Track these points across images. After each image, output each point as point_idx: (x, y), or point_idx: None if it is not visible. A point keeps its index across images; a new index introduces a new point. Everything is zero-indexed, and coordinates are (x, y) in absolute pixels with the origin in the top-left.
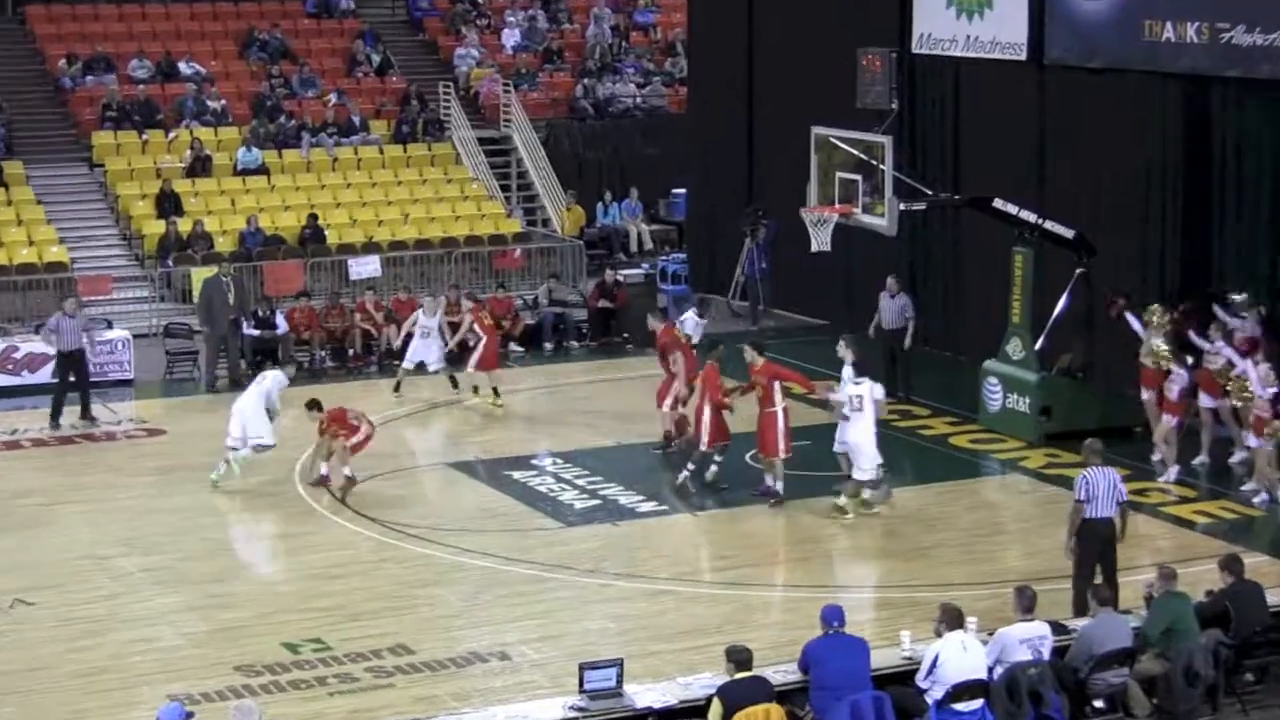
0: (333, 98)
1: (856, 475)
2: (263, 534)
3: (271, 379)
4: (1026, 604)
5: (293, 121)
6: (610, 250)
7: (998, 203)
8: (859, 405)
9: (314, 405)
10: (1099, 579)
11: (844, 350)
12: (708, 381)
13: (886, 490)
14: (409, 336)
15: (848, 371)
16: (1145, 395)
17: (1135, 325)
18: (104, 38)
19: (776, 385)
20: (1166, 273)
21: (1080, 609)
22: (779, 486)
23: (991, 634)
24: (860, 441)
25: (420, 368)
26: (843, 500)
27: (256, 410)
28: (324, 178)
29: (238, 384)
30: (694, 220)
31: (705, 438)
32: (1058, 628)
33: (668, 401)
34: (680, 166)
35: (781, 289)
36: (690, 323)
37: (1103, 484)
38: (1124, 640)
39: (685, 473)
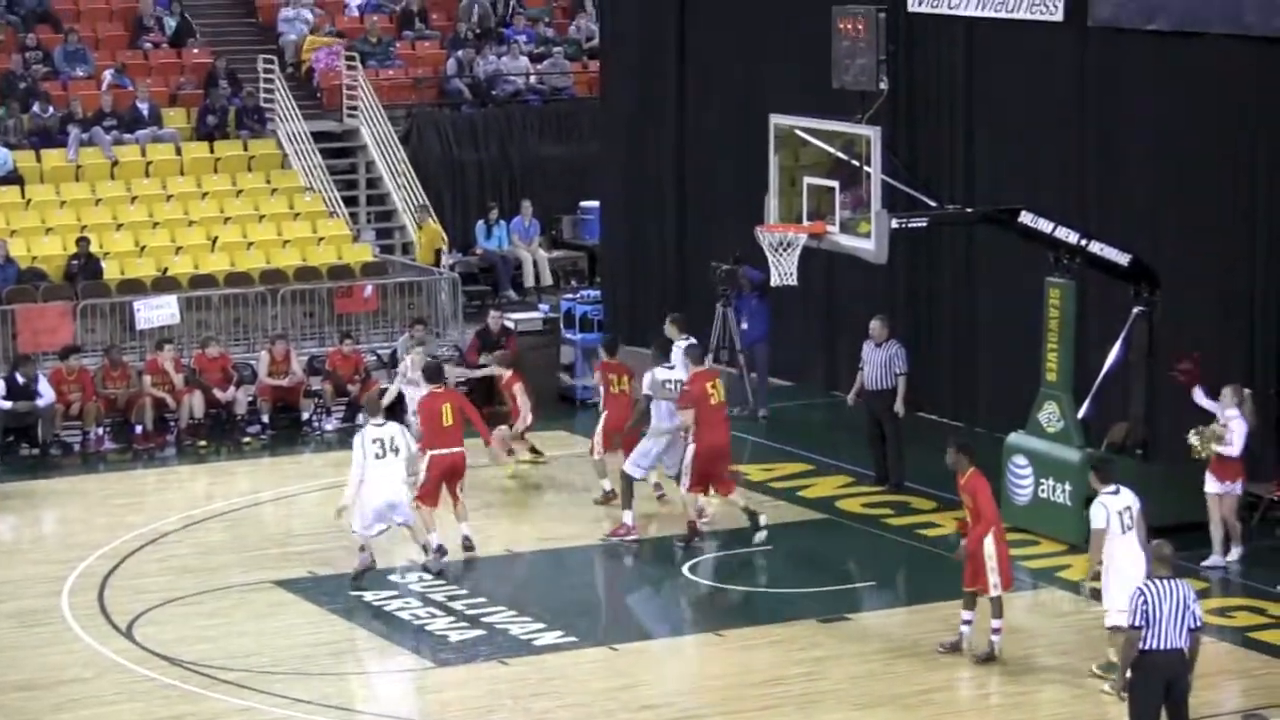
0: (108, 76)
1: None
2: (14, 682)
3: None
4: None
5: (55, 110)
6: (496, 286)
7: (1026, 217)
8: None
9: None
10: None
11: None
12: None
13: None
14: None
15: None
16: (1214, 489)
17: (1206, 403)
18: None
19: None
20: (1257, 309)
21: None
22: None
23: None
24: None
25: None
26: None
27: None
28: (100, 188)
29: None
30: (611, 244)
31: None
32: None
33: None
34: (591, 171)
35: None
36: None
37: (1167, 604)
38: None
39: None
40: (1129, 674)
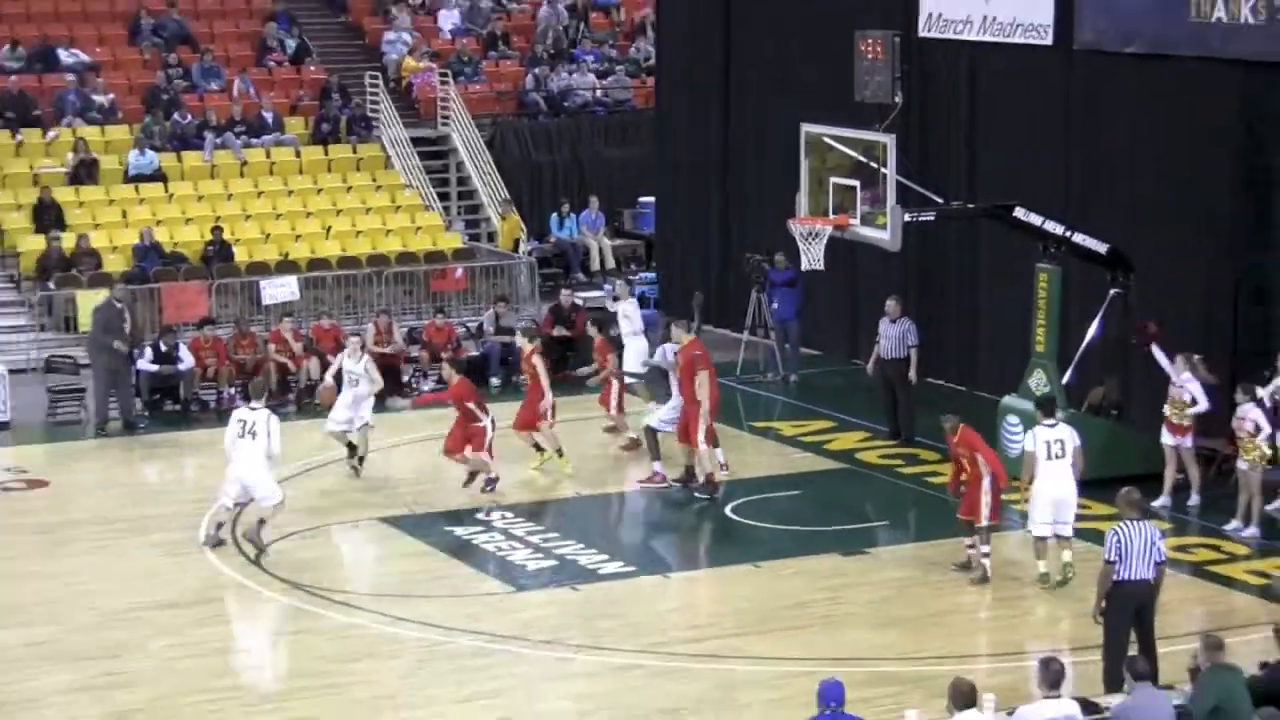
0: (237, 82)
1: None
2: (162, 601)
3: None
4: (1052, 679)
5: (193, 119)
6: (567, 269)
7: (1019, 212)
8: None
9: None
10: (1134, 650)
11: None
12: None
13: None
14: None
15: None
16: (1168, 440)
17: (1163, 360)
18: None
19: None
20: (1216, 295)
21: (1113, 685)
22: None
23: (1011, 714)
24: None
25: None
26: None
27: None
28: (231, 185)
29: (131, 426)
30: (664, 233)
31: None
32: (1089, 706)
33: (700, 436)
34: (648, 171)
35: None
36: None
37: (1137, 541)
38: None
39: None
40: (1104, 602)
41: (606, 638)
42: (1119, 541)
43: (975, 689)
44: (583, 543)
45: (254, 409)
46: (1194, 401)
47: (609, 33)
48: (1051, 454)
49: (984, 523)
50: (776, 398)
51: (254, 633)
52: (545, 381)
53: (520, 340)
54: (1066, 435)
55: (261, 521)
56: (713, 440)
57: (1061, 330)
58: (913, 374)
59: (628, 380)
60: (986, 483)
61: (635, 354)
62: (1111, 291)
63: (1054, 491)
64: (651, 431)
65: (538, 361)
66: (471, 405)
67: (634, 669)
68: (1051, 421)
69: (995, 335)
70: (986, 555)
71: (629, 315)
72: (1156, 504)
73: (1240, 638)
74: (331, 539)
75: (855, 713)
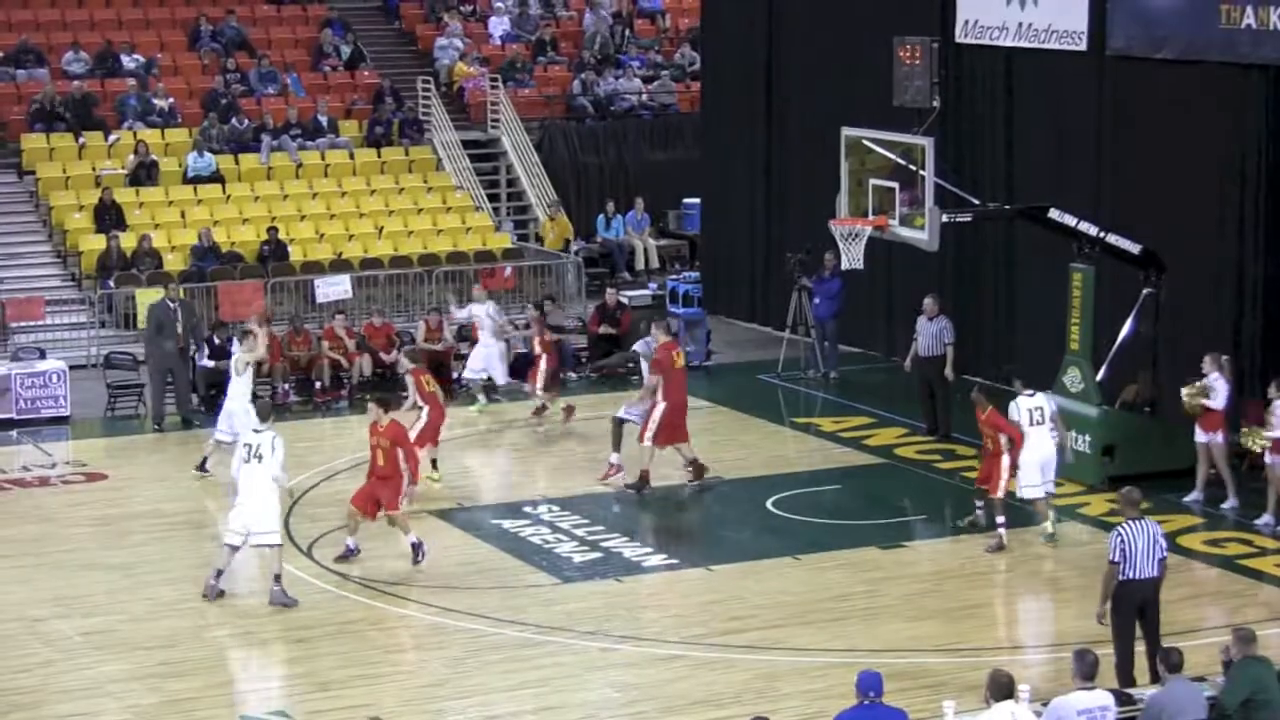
0: (289, 82)
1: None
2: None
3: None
4: (1087, 670)
5: (250, 122)
6: (613, 268)
7: (1054, 213)
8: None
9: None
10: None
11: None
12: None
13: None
14: None
15: None
16: (1201, 437)
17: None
18: (34, 27)
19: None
20: (1248, 295)
21: (1124, 679)
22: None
23: (1046, 704)
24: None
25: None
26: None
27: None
28: (286, 186)
29: (188, 421)
30: (708, 234)
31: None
32: (1122, 697)
33: (648, 434)
34: (692, 173)
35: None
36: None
37: (1140, 540)
38: (1198, 711)
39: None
40: (1109, 601)
41: (650, 629)
42: (1122, 542)
43: (1013, 680)
44: (627, 536)
45: (259, 431)
46: (1212, 397)
47: (654, 39)
48: (1033, 420)
49: (998, 495)
50: (817, 394)
51: (306, 623)
52: (440, 396)
53: (403, 362)
54: (1044, 403)
55: (278, 577)
56: (679, 440)
57: (1095, 328)
58: (949, 371)
59: (466, 377)
60: (1006, 460)
61: (483, 357)
62: (1144, 291)
63: (1038, 455)
64: (618, 422)
65: (425, 381)
66: (401, 452)
67: (677, 660)
68: (1030, 392)
69: (1030, 333)
70: (1003, 525)
71: (491, 316)
72: (1188, 499)
73: (1272, 630)
74: (381, 530)
75: (893, 703)
